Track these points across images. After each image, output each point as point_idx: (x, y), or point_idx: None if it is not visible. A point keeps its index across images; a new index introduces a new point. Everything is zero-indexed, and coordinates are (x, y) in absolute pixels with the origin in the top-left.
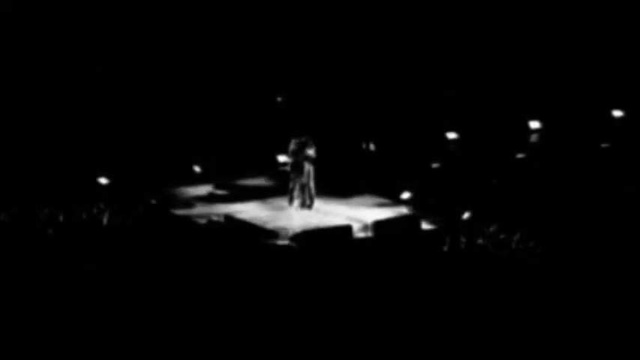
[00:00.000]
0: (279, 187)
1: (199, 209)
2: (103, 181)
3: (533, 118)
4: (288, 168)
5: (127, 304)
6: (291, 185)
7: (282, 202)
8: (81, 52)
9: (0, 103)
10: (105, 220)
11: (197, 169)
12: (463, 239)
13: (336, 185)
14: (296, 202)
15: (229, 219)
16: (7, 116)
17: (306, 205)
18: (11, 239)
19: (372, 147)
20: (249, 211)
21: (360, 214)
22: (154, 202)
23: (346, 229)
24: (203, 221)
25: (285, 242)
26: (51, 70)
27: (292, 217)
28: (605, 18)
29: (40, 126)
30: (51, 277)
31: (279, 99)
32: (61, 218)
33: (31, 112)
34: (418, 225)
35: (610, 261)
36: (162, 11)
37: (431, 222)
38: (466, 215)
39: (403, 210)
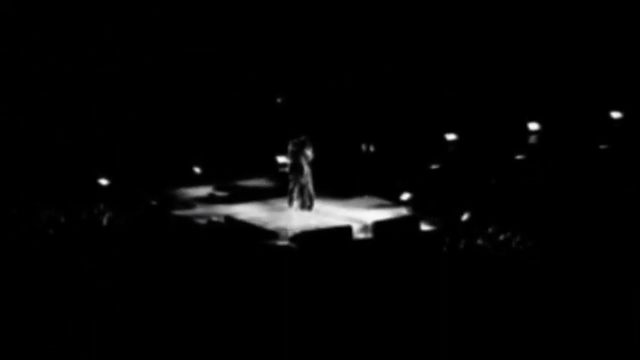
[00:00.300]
0: (279, 188)
1: (199, 210)
2: (104, 182)
3: (532, 120)
4: (287, 169)
5: (127, 304)
6: (290, 186)
7: (282, 203)
8: (81, 52)
9: (0, 103)
10: (105, 221)
11: (197, 170)
12: (462, 240)
13: (336, 186)
14: (296, 203)
15: (229, 220)
16: (7, 116)
17: (306, 206)
18: (12, 239)
19: (371, 148)
20: (249, 212)
21: (359, 215)
22: (154, 202)
23: (346, 230)
24: (203, 222)
25: (285, 243)
26: (51, 70)
27: (292, 217)
28: (604, 20)
29: (41, 126)
30: (51, 277)
31: (278, 100)
32: (62, 219)
33: (32, 112)
34: (417, 226)
35: (609, 261)
36: (162, 11)
37: (430, 223)
38: (465, 216)
39: (403, 211)
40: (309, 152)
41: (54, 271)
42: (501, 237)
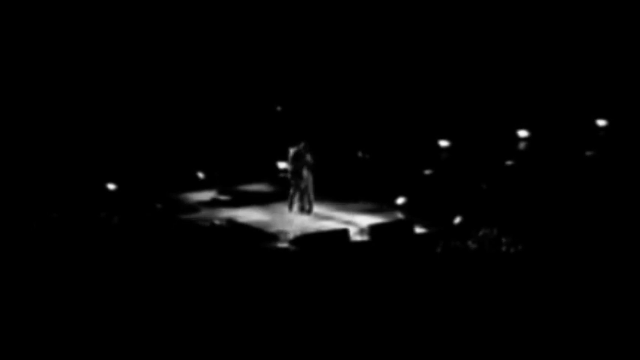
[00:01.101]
0: (279, 193)
1: (203, 213)
2: (111, 186)
3: (522, 127)
4: (288, 175)
5: (130, 304)
6: (291, 191)
7: (282, 206)
8: (87, 59)
9: (10, 113)
10: (114, 223)
11: (201, 175)
12: (455, 242)
13: (334, 191)
14: (295, 207)
15: (231, 223)
16: (19, 124)
17: (305, 209)
18: (19, 239)
19: (367, 155)
20: (250, 215)
21: (356, 219)
22: (159, 206)
23: (343, 233)
24: (207, 225)
25: (285, 245)
26: (58, 78)
27: (292, 221)
28: (590, 34)
29: (51, 135)
30: (56, 278)
31: (278, 108)
32: (71, 221)
33: (42, 121)
34: (412, 229)
35: (596, 261)
36: (170, 22)
37: (424, 226)
38: (458, 219)
39: (397, 214)
40: (308, 158)
41: (60, 271)
42: (489, 236)
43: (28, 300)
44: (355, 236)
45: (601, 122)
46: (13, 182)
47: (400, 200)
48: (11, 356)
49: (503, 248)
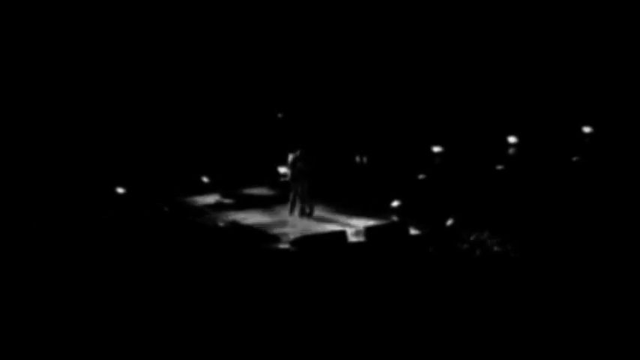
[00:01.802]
0: (280, 196)
1: (208, 216)
2: (120, 190)
3: (511, 134)
4: (288, 179)
5: (130, 303)
6: (292, 195)
7: (283, 209)
8: (95, 63)
9: (16, 117)
10: (116, 224)
11: (205, 179)
12: (447, 243)
13: (333, 194)
14: (296, 210)
15: (235, 225)
16: (24, 129)
17: (305, 212)
18: (20, 241)
19: (364, 160)
20: (252, 217)
21: (353, 221)
22: (166, 209)
23: (341, 235)
24: (211, 226)
25: (286, 246)
26: (63, 83)
27: (292, 223)
28: (576, 43)
29: (57, 139)
30: (55, 278)
31: (279, 115)
32: (71, 221)
33: (48, 126)
34: (406, 230)
35: (583, 261)
36: (173, 23)
37: (418, 228)
38: (450, 222)
39: (393, 217)
40: (308, 163)
41: (60, 271)
42: (479, 237)
43: (28, 300)
44: (352, 237)
45: (586, 129)
46: (17, 185)
47: (395, 203)
48: (11, 356)
49: (495, 249)
